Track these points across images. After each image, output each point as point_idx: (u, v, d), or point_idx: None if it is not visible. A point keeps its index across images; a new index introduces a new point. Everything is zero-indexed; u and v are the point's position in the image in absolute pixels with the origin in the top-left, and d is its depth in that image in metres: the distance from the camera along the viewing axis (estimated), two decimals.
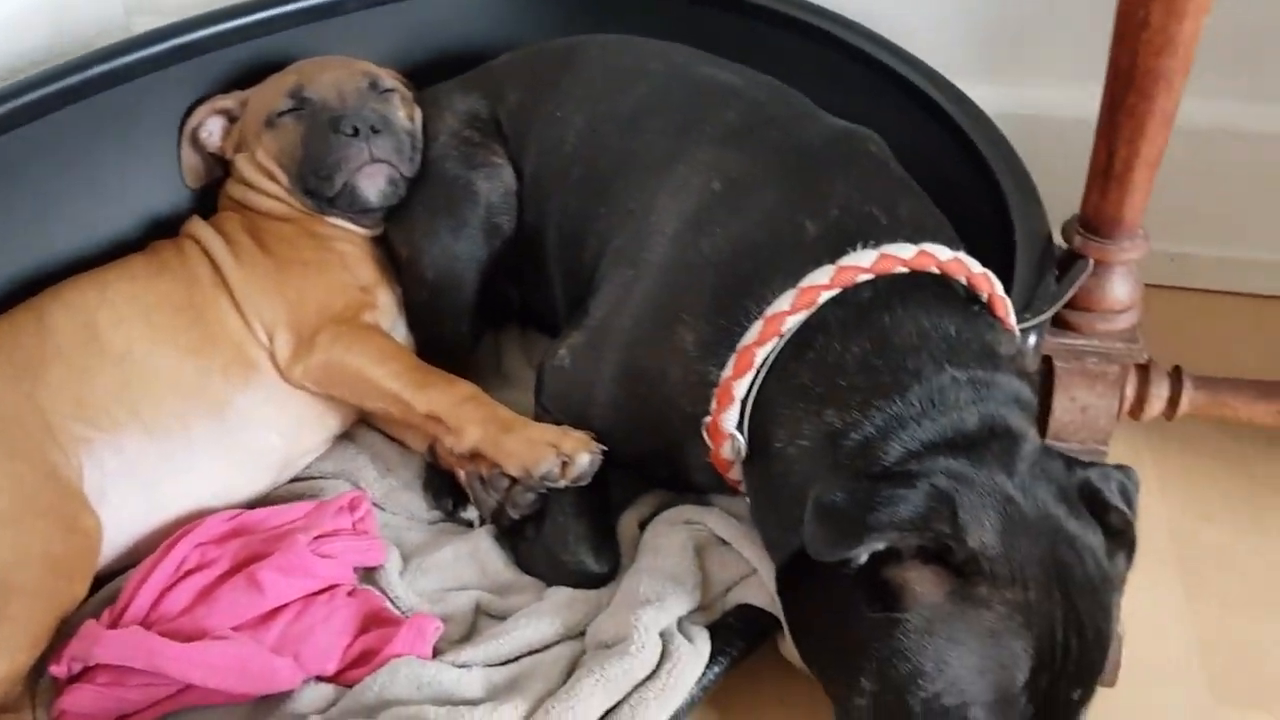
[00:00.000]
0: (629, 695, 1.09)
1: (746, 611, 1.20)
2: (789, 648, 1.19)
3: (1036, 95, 1.73)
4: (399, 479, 1.37)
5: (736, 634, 1.18)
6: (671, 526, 1.24)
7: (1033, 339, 1.22)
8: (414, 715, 1.06)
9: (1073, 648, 1.02)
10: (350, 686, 1.11)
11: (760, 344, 1.09)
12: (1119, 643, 1.26)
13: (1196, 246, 1.79)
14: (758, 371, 1.10)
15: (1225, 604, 1.38)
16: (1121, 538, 1.08)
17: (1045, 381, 1.39)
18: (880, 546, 1.00)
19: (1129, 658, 1.28)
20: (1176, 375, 1.47)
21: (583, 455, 1.21)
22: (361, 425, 1.43)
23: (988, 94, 1.52)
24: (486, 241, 1.41)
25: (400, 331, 1.42)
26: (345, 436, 1.42)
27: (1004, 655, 1.00)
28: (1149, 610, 1.37)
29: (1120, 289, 1.35)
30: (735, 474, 1.16)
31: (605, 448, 1.23)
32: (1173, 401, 1.46)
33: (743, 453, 1.13)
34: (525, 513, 1.26)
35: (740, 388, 1.10)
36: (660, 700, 1.09)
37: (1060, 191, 1.39)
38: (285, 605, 1.16)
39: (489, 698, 1.09)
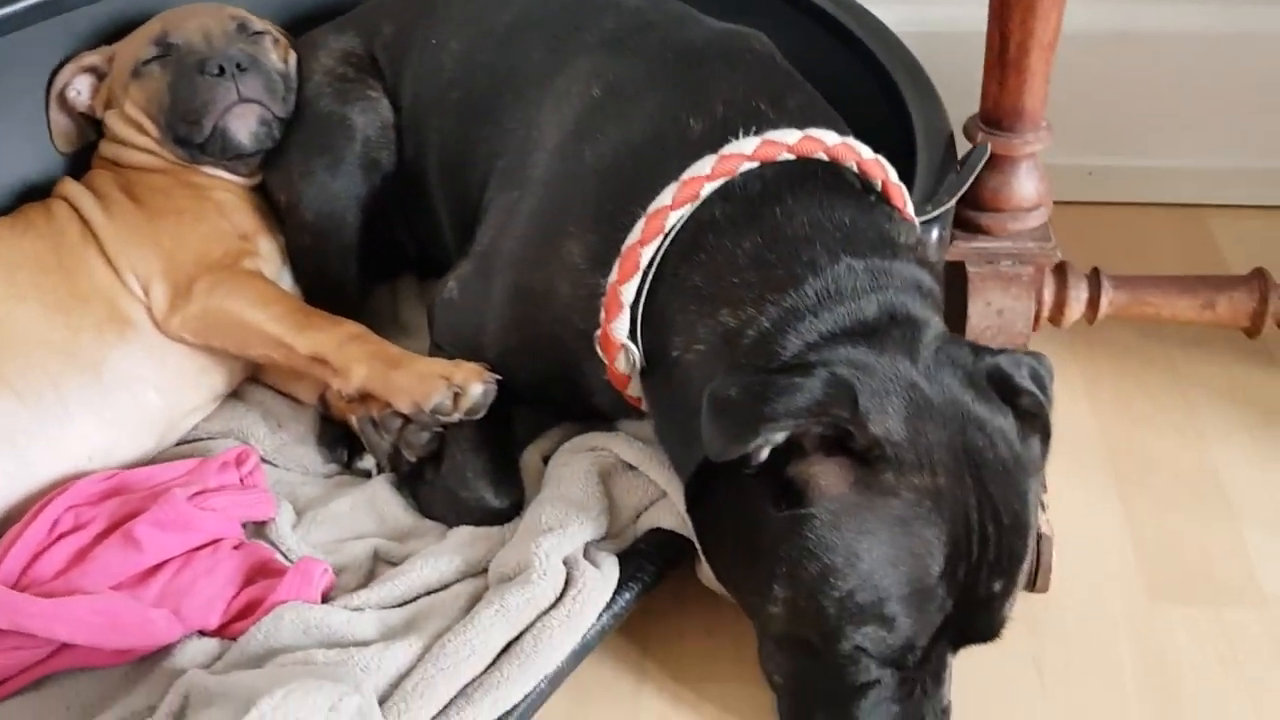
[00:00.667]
0: (531, 625, 1.03)
1: (658, 536, 1.14)
2: (706, 572, 1.13)
3: (938, 12, 1.69)
4: (291, 434, 1.30)
5: (647, 559, 1.12)
6: (575, 454, 1.18)
7: (935, 232, 1.17)
8: (302, 660, 0.99)
9: (990, 535, 0.98)
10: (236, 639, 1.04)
11: (644, 243, 1.04)
12: (1049, 545, 1.21)
13: (1112, 158, 1.76)
14: (645, 274, 1.05)
15: (1159, 504, 1.34)
16: (1034, 420, 1.03)
17: (960, 288, 1.35)
18: (779, 438, 0.94)
19: (1066, 562, 1.24)
20: (1095, 276, 1.43)
21: (475, 385, 1.15)
22: (250, 383, 1.36)
23: (889, 13, 1.47)
24: (366, 178, 1.35)
25: (286, 281, 1.36)
26: (234, 395, 1.35)
27: (916, 544, 0.95)
28: (1084, 516, 1.32)
29: (1027, 185, 1.31)
30: (634, 390, 1.11)
31: (499, 377, 1.17)
32: (1092, 303, 1.43)
33: (638, 364, 1.07)
34: (422, 454, 1.20)
35: (628, 293, 1.05)
36: (565, 627, 1.03)
37: (966, 104, 1.35)
38: (166, 561, 1.09)
39: (382, 639, 1.03)
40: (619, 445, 1.17)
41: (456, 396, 1.14)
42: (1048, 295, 1.41)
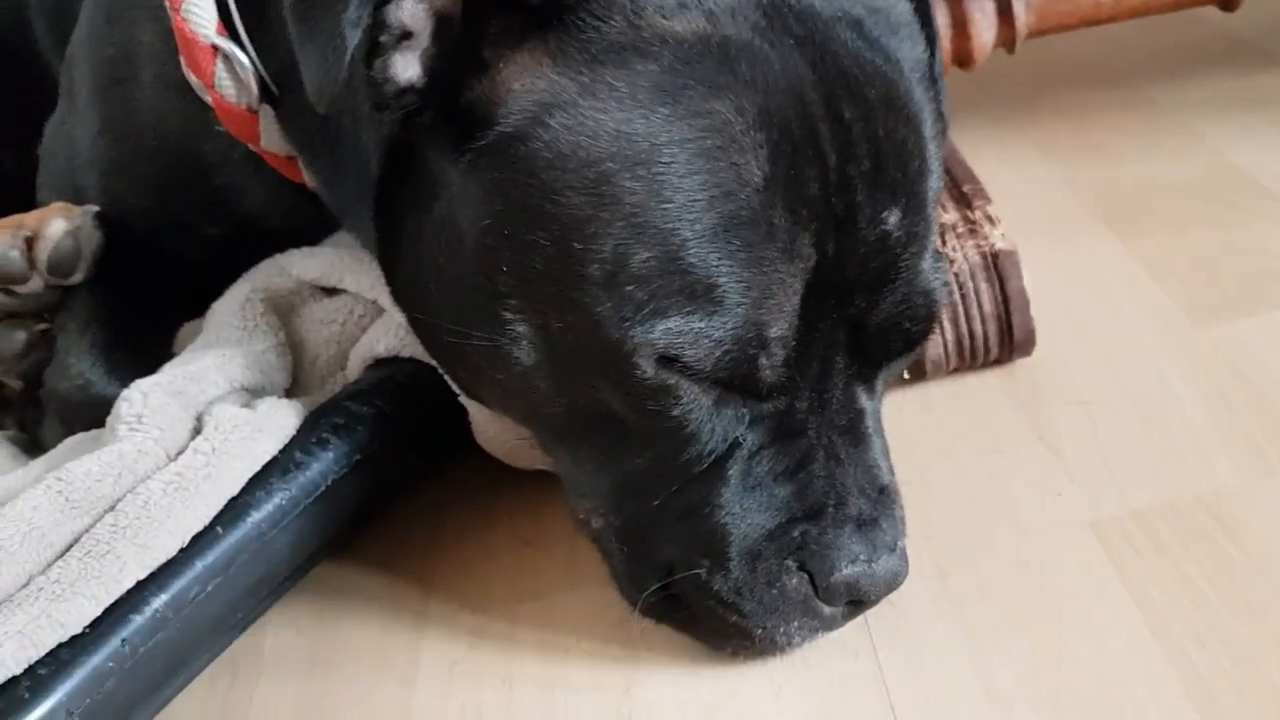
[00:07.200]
0: (123, 499, 0.58)
1: (376, 373, 0.71)
2: (482, 426, 0.70)
3: None
4: None
5: (357, 400, 0.68)
6: (235, 289, 0.74)
7: None
8: None
9: (850, 121, 0.56)
10: None
11: None
12: (1014, 262, 0.77)
13: None
14: None
15: (1160, 234, 0.91)
16: None
17: None
18: (403, 14, 0.54)
19: (1100, 307, 0.84)
20: None
21: (54, 222, 0.74)
22: None
23: None
24: None
25: None
26: None
27: (704, 133, 0.53)
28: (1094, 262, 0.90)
29: None
30: (272, 141, 0.69)
31: (96, 208, 0.76)
32: (1005, 15, 1.02)
33: (253, 82, 0.66)
34: (20, 371, 0.77)
35: None
36: (179, 493, 0.58)
37: None
38: None
39: None
40: (296, 261, 0.74)
41: (30, 244, 0.73)
42: (940, 20, 1.01)
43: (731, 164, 0.52)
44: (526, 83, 0.54)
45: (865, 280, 0.56)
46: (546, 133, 0.53)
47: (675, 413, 0.55)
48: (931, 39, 0.63)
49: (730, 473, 0.57)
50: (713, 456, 0.57)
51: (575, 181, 0.53)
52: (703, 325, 0.53)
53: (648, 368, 0.54)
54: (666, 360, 0.53)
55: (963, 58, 1.03)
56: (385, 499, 0.73)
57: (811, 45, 0.55)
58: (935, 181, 0.59)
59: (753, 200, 0.53)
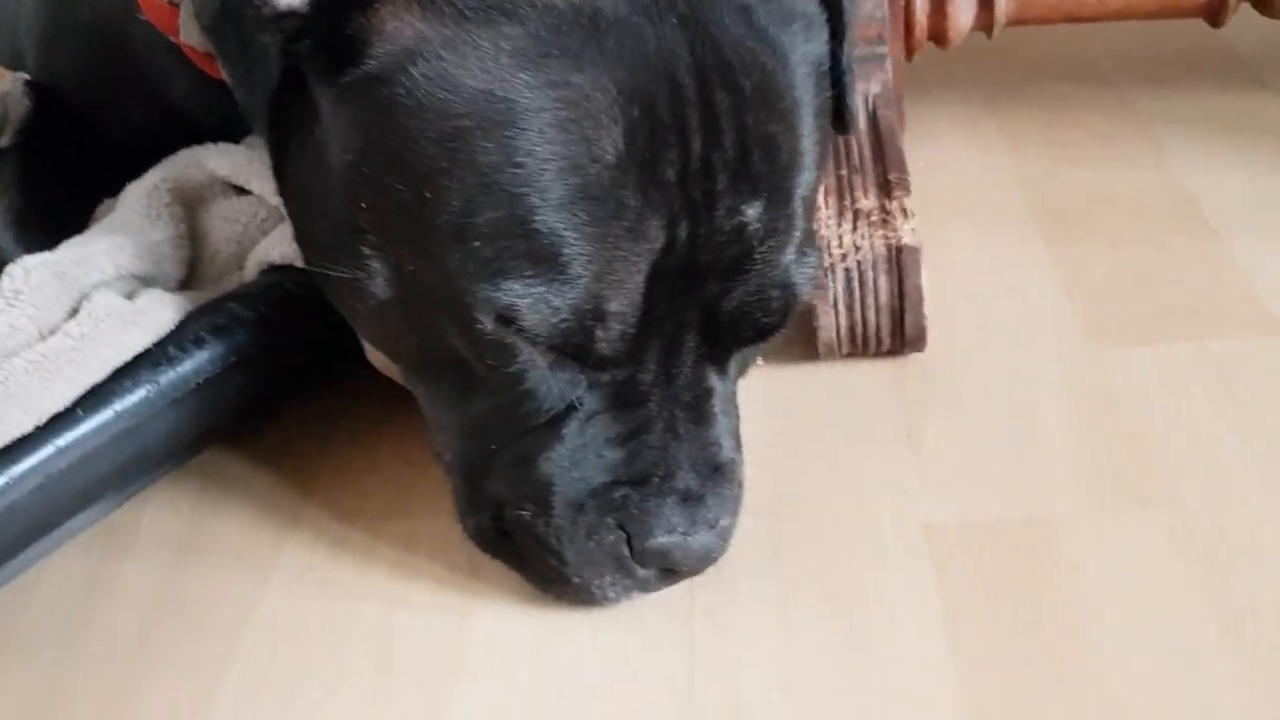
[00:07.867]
0: None
1: (268, 277, 0.72)
2: (369, 349, 0.71)
3: None
4: None
5: (240, 302, 0.70)
6: (150, 174, 0.76)
7: None
8: None
9: (720, 107, 0.55)
10: None
11: None
12: (914, 259, 0.77)
13: None
14: None
15: (1089, 247, 0.90)
16: None
17: None
18: None
19: (1005, 312, 0.84)
20: None
21: None
22: None
23: None
24: None
25: None
26: None
27: (560, 104, 0.53)
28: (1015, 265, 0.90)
29: None
30: (191, 34, 0.70)
31: (27, 76, 0.78)
32: (985, 3, 1.00)
33: None
34: None
35: None
36: (40, 373, 0.60)
37: None
38: None
39: None
40: (210, 155, 0.75)
41: None
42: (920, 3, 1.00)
43: (585, 138, 0.53)
44: (397, 26, 0.55)
45: (718, 268, 0.57)
46: (408, 80, 0.54)
47: (512, 369, 0.57)
48: (839, 32, 0.63)
49: (565, 431, 0.59)
50: (550, 413, 0.59)
51: (431, 132, 0.54)
52: (542, 290, 0.54)
53: (487, 323, 0.55)
54: (505, 320, 0.55)
55: (938, 35, 1.02)
56: (265, 402, 0.75)
57: (694, 26, 0.56)
58: (807, 177, 0.59)
59: (603, 176, 0.53)
